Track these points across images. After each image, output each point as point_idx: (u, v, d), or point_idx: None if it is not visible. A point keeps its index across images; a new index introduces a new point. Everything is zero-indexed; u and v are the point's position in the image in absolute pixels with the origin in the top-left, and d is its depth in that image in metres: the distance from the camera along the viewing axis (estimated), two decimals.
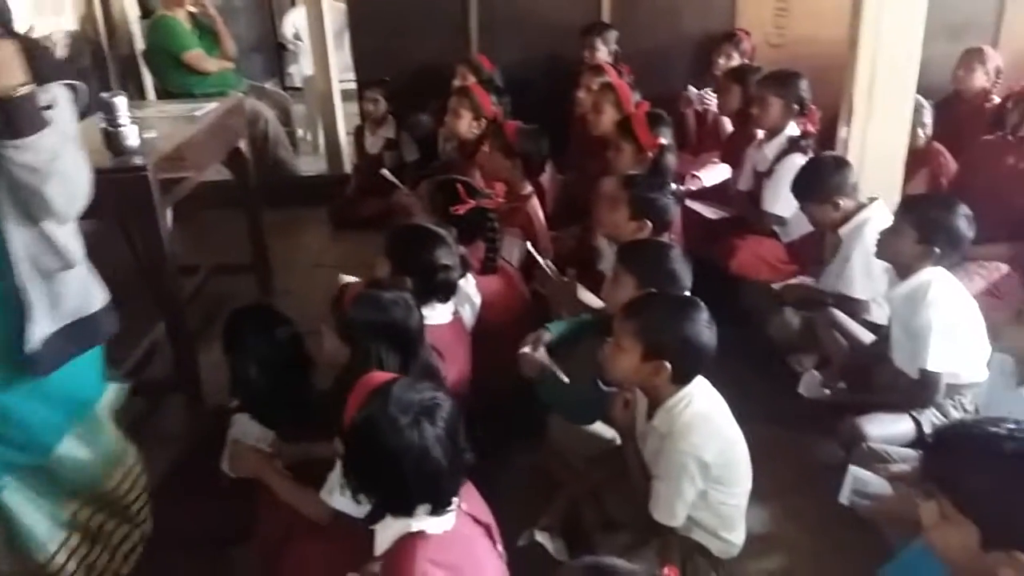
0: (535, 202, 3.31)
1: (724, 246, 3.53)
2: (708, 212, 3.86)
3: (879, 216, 2.77)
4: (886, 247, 2.47)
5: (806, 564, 2.20)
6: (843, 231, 2.87)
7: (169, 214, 3.19)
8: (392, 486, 1.46)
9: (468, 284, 2.54)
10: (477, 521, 1.61)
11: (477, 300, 2.59)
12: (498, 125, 3.54)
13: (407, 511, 1.48)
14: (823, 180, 2.86)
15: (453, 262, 2.33)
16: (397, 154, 4.84)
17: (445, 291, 2.32)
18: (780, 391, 2.79)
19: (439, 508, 1.48)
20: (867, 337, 2.75)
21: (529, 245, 2.94)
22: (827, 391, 2.62)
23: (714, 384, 2.31)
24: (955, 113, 4.40)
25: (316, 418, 2.03)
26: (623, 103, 3.74)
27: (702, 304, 1.98)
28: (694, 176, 4.27)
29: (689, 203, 3.92)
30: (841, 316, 2.78)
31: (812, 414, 2.64)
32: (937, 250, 2.37)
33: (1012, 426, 1.22)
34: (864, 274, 2.78)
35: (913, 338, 2.42)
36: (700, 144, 4.61)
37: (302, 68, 6.91)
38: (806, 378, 2.66)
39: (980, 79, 4.37)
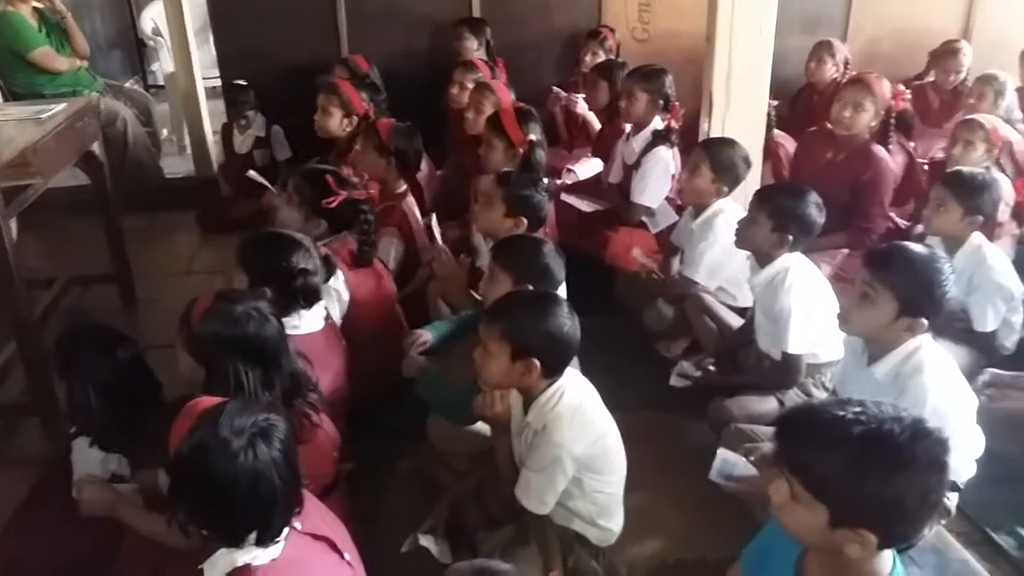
0: (410, 200, 3.28)
1: (598, 238, 3.61)
2: (582, 205, 3.94)
3: (730, 208, 2.89)
4: (744, 236, 2.60)
5: (683, 545, 2.27)
6: (695, 224, 2.99)
7: (14, 224, 2.98)
8: (225, 516, 1.40)
9: (337, 281, 2.48)
10: (316, 537, 1.54)
11: (346, 296, 2.53)
12: (370, 123, 3.48)
13: (236, 542, 1.41)
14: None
15: (313, 265, 2.25)
16: (268, 153, 4.69)
17: (307, 297, 2.24)
18: (655, 377, 2.88)
19: (268, 537, 1.42)
20: (735, 321, 2.88)
21: (434, 220, 2.92)
22: (699, 373, 2.72)
23: (591, 373, 2.36)
24: (809, 104, 4.66)
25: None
26: (503, 101, 3.78)
27: (560, 297, 2.02)
28: (568, 170, 4.35)
29: (564, 197, 3.99)
30: (711, 301, 2.90)
31: (685, 398, 2.74)
32: (791, 236, 2.51)
33: (857, 409, 1.27)
34: (713, 265, 2.92)
35: (775, 322, 2.54)
36: (573, 139, 4.70)
37: (164, 65, 6.58)
38: (676, 370, 2.75)
39: (830, 70, 4.65)
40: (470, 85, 4.11)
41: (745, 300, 2.92)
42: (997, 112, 4.01)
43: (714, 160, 2.94)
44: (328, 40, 4.93)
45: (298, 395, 1.94)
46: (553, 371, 1.95)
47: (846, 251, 3.47)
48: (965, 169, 3.02)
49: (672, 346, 2.99)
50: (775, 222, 2.51)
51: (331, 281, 2.40)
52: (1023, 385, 2.63)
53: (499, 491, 2.07)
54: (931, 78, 4.82)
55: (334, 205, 2.63)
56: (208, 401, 1.46)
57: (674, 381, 2.77)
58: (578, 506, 2.01)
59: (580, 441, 1.91)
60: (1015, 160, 3.70)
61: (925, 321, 2.04)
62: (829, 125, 3.66)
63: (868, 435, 1.23)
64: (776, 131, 4.11)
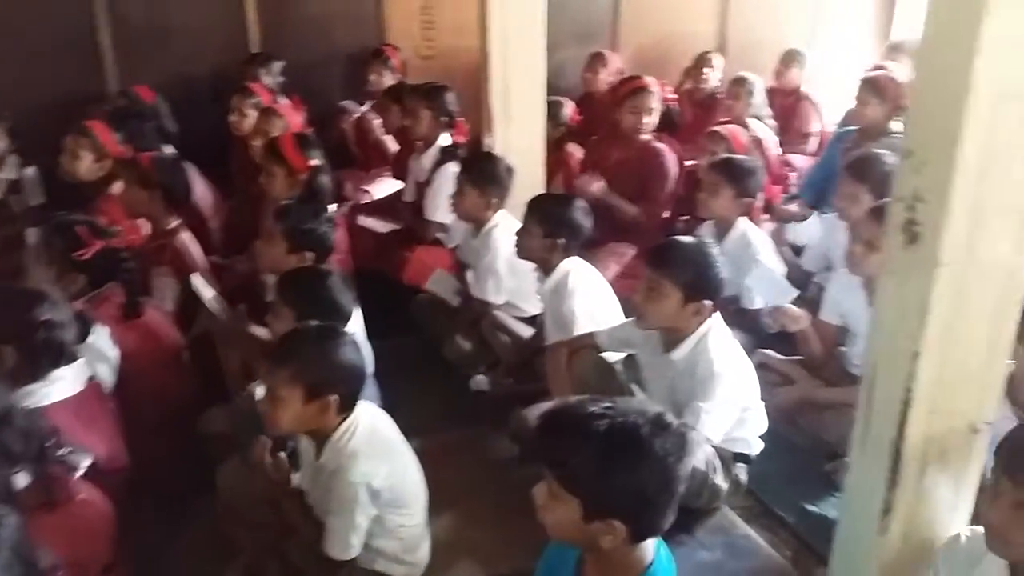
0: (185, 235, 3.07)
1: (395, 258, 3.58)
2: (378, 226, 3.90)
3: (505, 221, 2.97)
4: (521, 247, 2.69)
5: (493, 563, 2.27)
6: (475, 241, 3.05)
7: None
8: None
9: (100, 338, 2.27)
10: None
11: (113, 354, 2.32)
12: (128, 160, 3.23)
13: None
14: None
15: (60, 318, 2.02)
16: (23, 198, 4.26)
17: (54, 354, 2.00)
18: (457, 394, 2.89)
19: None
20: (527, 331, 2.95)
21: (195, 280, 2.74)
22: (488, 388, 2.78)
23: (394, 398, 2.34)
24: (590, 112, 4.88)
25: None
26: (293, 126, 3.66)
27: (341, 328, 1.98)
28: (363, 191, 4.30)
29: (360, 220, 3.94)
30: (502, 317, 2.96)
31: (487, 413, 2.77)
32: (561, 241, 2.61)
33: (607, 404, 1.33)
34: (499, 278, 2.98)
35: (562, 326, 2.63)
36: (368, 160, 4.64)
37: None
38: (473, 384, 2.79)
39: (604, 80, 4.88)
40: (249, 111, 3.97)
41: (534, 309, 3.00)
42: (749, 111, 4.40)
43: (475, 177, 3.00)
44: (91, 71, 4.56)
45: (43, 459, 1.73)
46: (349, 406, 1.90)
47: (633, 252, 3.66)
48: (735, 156, 3.30)
49: (478, 379, 2.99)
50: (545, 229, 2.62)
51: (91, 338, 2.19)
52: (790, 371, 2.85)
53: (299, 541, 1.99)
54: (688, 86, 5.19)
55: (88, 257, 2.41)
56: None
57: (474, 386, 2.81)
58: (382, 544, 1.96)
59: (377, 474, 1.87)
60: (766, 156, 4.06)
61: (709, 302, 2.23)
62: (619, 128, 3.83)
63: (613, 429, 1.29)
64: (570, 143, 4.28)
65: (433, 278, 3.30)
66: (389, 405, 2.26)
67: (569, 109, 4.23)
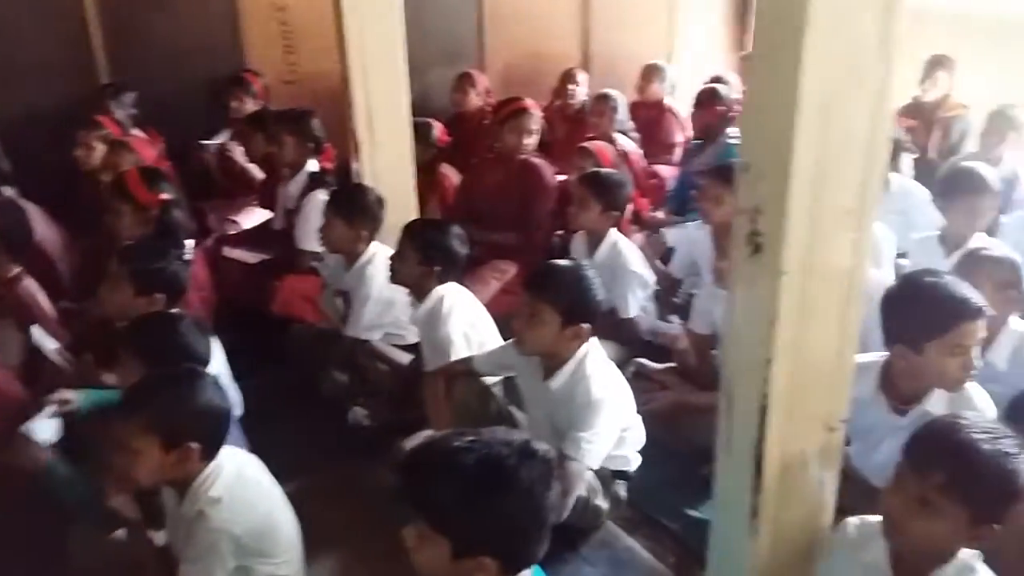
0: (28, 283, 2.85)
1: (265, 290, 3.45)
2: (246, 257, 3.76)
3: (380, 253, 2.90)
4: (395, 273, 2.63)
5: None
6: (348, 275, 2.98)
7: None
8: None
9: None
10: None
11: None
12: None
13: None
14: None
15: None
16: None
17: None
18: (336, 429, 2.80)
19: None
20: (406, 359, 2.89)
21: (34, 332, 2.55)
22: (367, 423, 2.71)
23: (270, 436, 2.23)
24: (461, 132, 4.87)
25: None
26: (146, 160, 3.47)
27: (199, 370, 1.89)
28: (230, 221, 4.14)
29: (226, 252, 3.78)
30: (380, 345, 2.89)
31: (368, 446, 2.70)
32: (438, 268, 2.57)
33: (471, 438, 1.30)
34: (373, 313, 2.91)
35: (439, 351, 2.59)
36: (234, 190, 4.47)
37: None
38: (351, 417, 2.71)
39: (473, 100, 4.90)
40: (97, 144, 3.76)
41: (415, 336, 2.94)
42: (614, 126, 4.51)
43: (343, 209, 2.93)
44: None
45: None
46: (212, 451, 1.79)
47: (515, 269, 3.66)
48: (602, 170, 3.36)
49: (357, 412, 2.90)
50: (421, 255, 2.57)
51: None
52: (665, 378, 2.92)
53: None
54: (557, 103, 5.27)
55: None
56: None
57: (353, 419, 2.72)
58: None
59: (240, 522, 1.77)
60: (633, 169, 4.17)
61: (587, 326, 2.22)
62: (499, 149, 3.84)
63: (479, 461, 1.26)
64: (444, 164, 4.26)
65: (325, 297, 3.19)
66: (264, 444, 2.17)
67: (437, 130, 4.21)
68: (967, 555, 1.52)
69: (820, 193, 1.50)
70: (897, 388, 2.08)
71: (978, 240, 3.10)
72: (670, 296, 3.59)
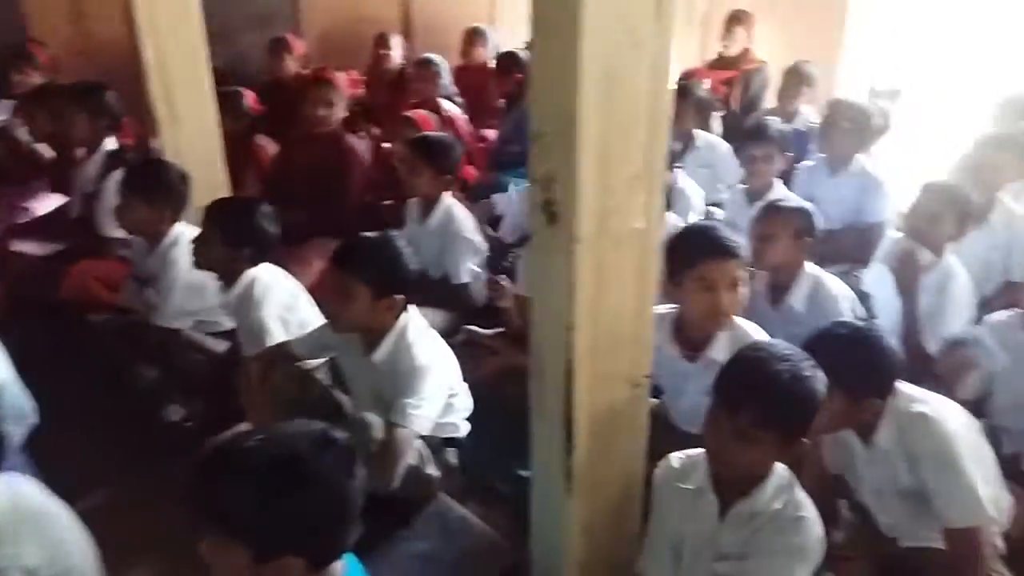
0: None
1: (59, 281, 3.16)
2: (37, 249, 3.44)
3: (187, 234, 2.71)
4: (199, 257, 2.48)
5: None
6: (151, 258, 2.79)
7: None
8: None
9: None
10: None
11: None
12: None
13: None
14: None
15: None
16: None
17: None
18: (148, 430, 2.63)
19: None
20: (222, 347, 2.75)
21: None
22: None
23: (72, 444, 2.06)
24: (277, 100, 4.65)
25: None
26: None
27: None
28: (21, 208, 3.77)
29: (14, 244, 3.45)
30: (192, 336, 2.73)
31: (185, 445, 2.54)
32: (246, 250, 2.45)
33: (261, 436, 1.26)
34: (181, 299, 2.74)
35: (255, 339, 2.47)
36: (23, 173, 4.06)
37: None
38: (165, 412, 2.56)
39: (290, 66, 4.68)
40: None
41: (231, 322, 2.80)
42: (438, 91, 4.45)
43: (142, 188, 2.73)
44: None
45: None
46: None
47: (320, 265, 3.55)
48: (430, 134, 3.31)
49: (170, 409, 2.73)
50: (227, 237, 2.44)
51: None
52: (494, 343, 2.94)
53: None
54: (377, 70, 5.14)
55: None
56: None
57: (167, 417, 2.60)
58: None
59: (28, 553, 1.61)
60: (459, 135, 4.14)
61: (401, 297, 2.17)
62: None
63: (271, 460, 1.22)
64: (260, 135, 4.05)
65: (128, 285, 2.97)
66: (68, 453, 2.00)
67: (249, 99, 4.00)
68: (781, 470, 1.65)
69: (608, 159, 1.53)
70: (686, 336, 2.22)
71: (777, 191, 3.32)
72: (501, 261, 3.61)
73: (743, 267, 2.14)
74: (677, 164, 3.59)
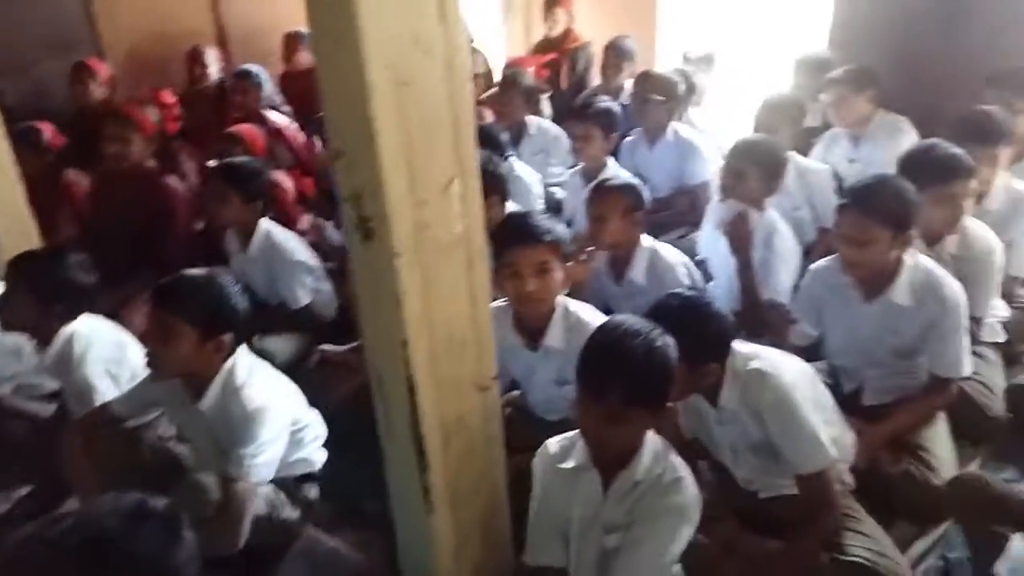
0: None
1: None
2: None
3: None
4: (8, 317, 2.32)
5: None
6: None
7: None
8: None
9: None
10: None
11: None
12: None
13: None
14: None
15: None
16: None
17: None
18: None
19: None
20: (48, 410, 2.54)
21: None
22: None
23: None
24: (86, 130, 4.32)
25: None
26: None
27: None
28: None
29: None
30: (11, 400, 2.53)
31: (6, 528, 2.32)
32: (59, 306, 2.26)
33: (71, 520, 1.17)
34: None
35: (82, 399, 2.28)
36: None
37: None
38: None
39: (96, 92, 4.34)
40: None
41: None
42: (262, 103, 4.27)
43: None
44: None
45: None
46: None
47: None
48: (235, 160, 3.16)
49: None
50: (35, 295, 2.24)
51: None
52: (348, 359, 2.85)
53: None
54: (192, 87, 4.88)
55: None
56: None
57: None
58: None
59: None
60: (291, 146, 4.00)
61: (229, 336, 2.04)
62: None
63: (82, 544, 1.13)
64: (70, 170, 3.75)
65: None
66: None
67: (48, 132, 3.69)
68: (653, 436, 1.70)
69: (415, 169, 1.48)
70: (524, 326, 2.24)
71: (609, 170, 3.39)
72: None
73: (553, 252, 2.12)
74: (511, 153, 3.59)
